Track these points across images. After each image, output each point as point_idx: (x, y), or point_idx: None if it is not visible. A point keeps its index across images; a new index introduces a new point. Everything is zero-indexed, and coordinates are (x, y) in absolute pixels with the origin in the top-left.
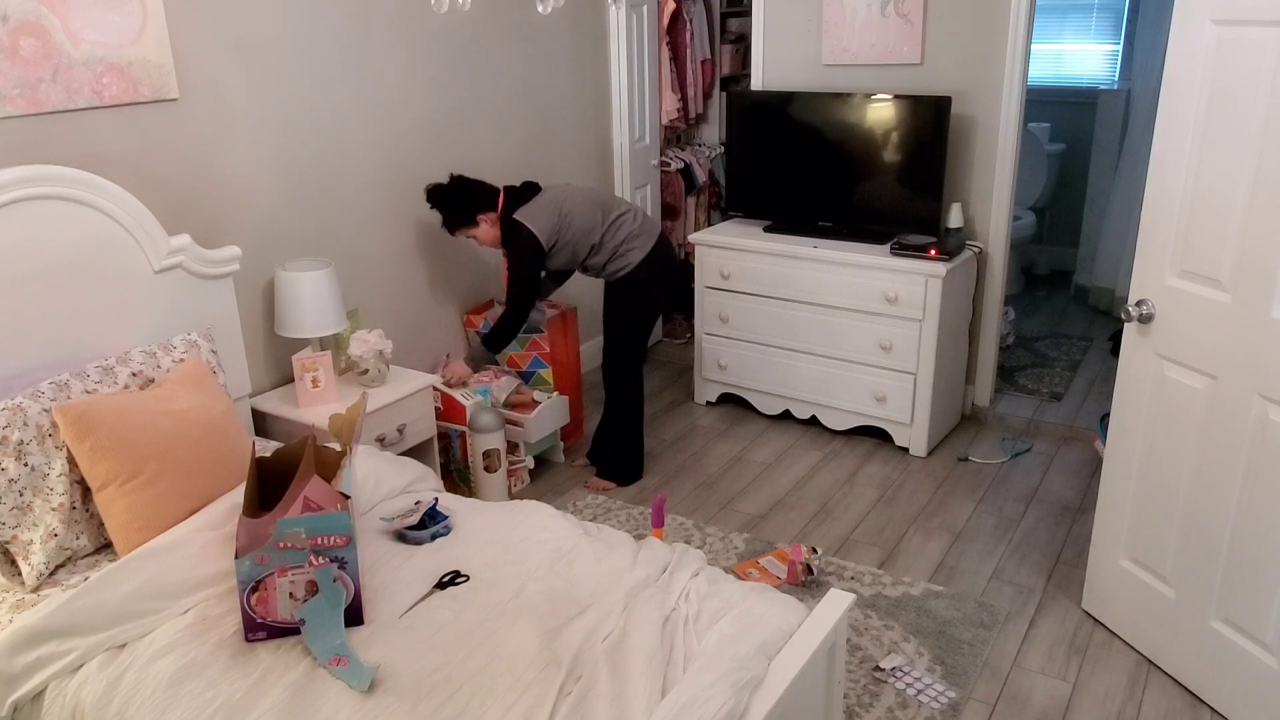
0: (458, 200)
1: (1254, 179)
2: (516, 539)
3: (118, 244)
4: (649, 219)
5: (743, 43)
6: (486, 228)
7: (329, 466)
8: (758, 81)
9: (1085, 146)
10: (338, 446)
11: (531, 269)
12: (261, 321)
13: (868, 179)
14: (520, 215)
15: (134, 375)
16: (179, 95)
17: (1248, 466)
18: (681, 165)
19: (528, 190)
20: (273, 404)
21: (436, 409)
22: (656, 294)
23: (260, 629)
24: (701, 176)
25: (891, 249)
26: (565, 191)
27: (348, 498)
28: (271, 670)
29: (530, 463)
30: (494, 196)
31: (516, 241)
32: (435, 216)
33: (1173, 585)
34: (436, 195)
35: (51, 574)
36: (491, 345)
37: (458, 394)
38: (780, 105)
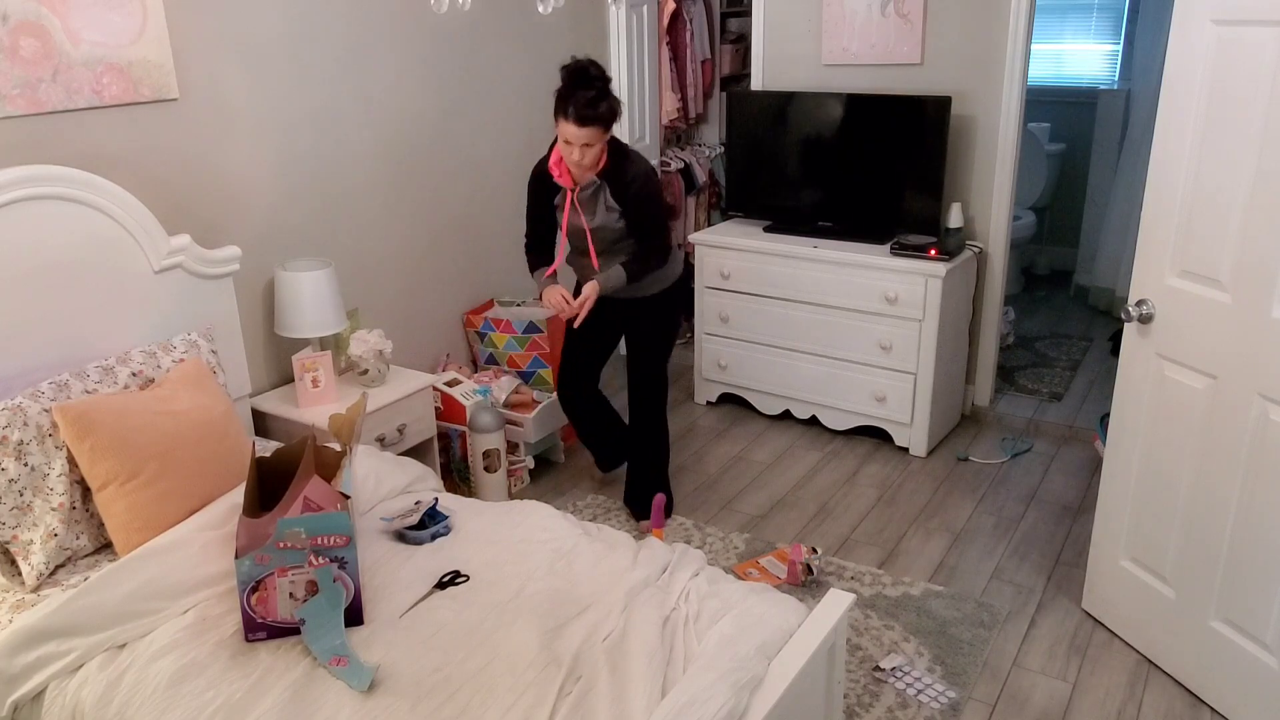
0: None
1: (1254, 179)
2: (516, 539)
3: (118, 244)
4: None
5: (743, 43)
6: (605, 135)
7: (329, 466)
8: (758, 81)
9: (1085, 146)
10: (338, 446)
11: (663, 205)
12: (261, 321)
13: (868, 179)
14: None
15: (134, 375)
16: (179, 95)
17: (1248, 466)
18: (681, 165)
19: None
20: (273, 404)
21: (436, 409)
22: (682, 309)
23: (260, 629)
24: (701, 176)
25: (891, 249)
26: None
27: (348, 498)
28: (271, 670)
29: (530, 463)
30: None
31: (646, 169)
32: (434, 215)
33: (1173, 585)
34: (595, 78)
35: (51, 574)
36: (636, 276)
37: (457, 393)
38: (780, 105)
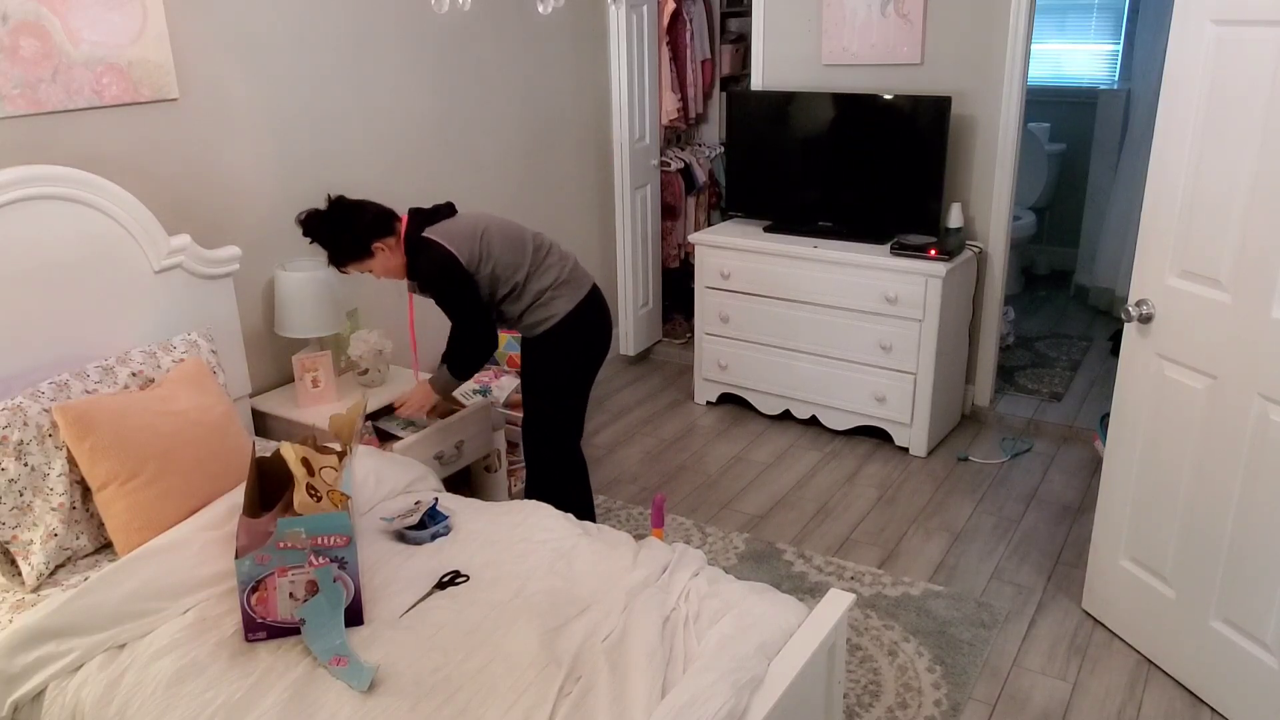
0: (344, 228)
1: (1254, 179)
2: (516, 539)
3: (118, 244)
4: (580, 267)
5: (743, 43)
6: (385, 256)
7: (279, 477)
8: (758, 81)
9: (1085, 146)
10: (338, 446)
11: (463, 288)
12: (261, 321)
13: (868, 179)
14: (432, 232)
15: (134, 375)
16: (179, 95)
17: (1248, 466)
18: (681, 165)
19: (441, 211)
20: (273, 404)
21: None
22: (586, 354)
23: (260, 629)
24: (701, 176)
25: (891, 249)
26: (485, 218)
27: (348, 498)
28: (271, 670)
29: None
30: (389, 220)
31: (429, 261)
32: None
33: (1173, 585)
34: (315, 226)
35: (51, 574)
36: (457, 373)
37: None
38: (780, 105)
